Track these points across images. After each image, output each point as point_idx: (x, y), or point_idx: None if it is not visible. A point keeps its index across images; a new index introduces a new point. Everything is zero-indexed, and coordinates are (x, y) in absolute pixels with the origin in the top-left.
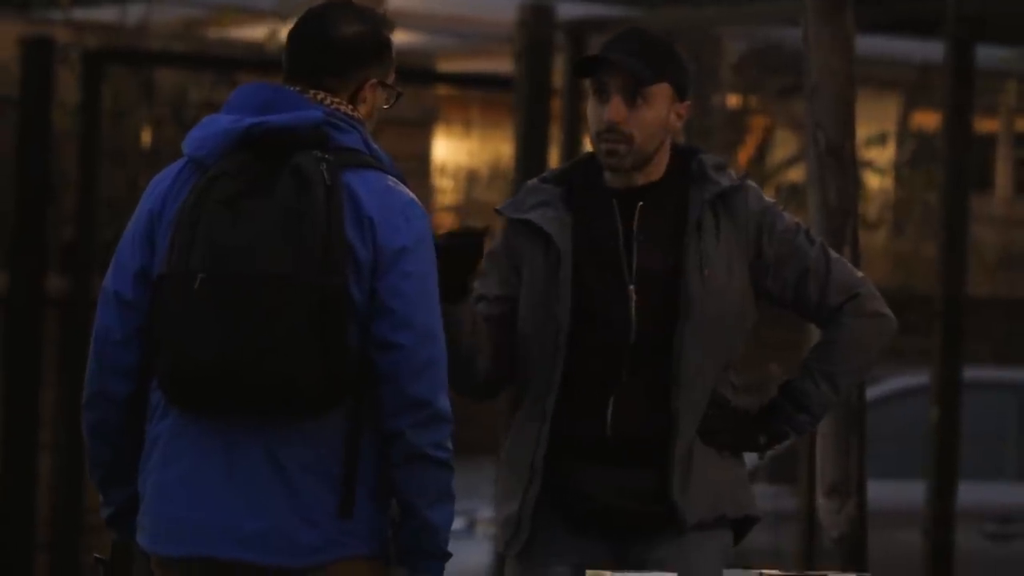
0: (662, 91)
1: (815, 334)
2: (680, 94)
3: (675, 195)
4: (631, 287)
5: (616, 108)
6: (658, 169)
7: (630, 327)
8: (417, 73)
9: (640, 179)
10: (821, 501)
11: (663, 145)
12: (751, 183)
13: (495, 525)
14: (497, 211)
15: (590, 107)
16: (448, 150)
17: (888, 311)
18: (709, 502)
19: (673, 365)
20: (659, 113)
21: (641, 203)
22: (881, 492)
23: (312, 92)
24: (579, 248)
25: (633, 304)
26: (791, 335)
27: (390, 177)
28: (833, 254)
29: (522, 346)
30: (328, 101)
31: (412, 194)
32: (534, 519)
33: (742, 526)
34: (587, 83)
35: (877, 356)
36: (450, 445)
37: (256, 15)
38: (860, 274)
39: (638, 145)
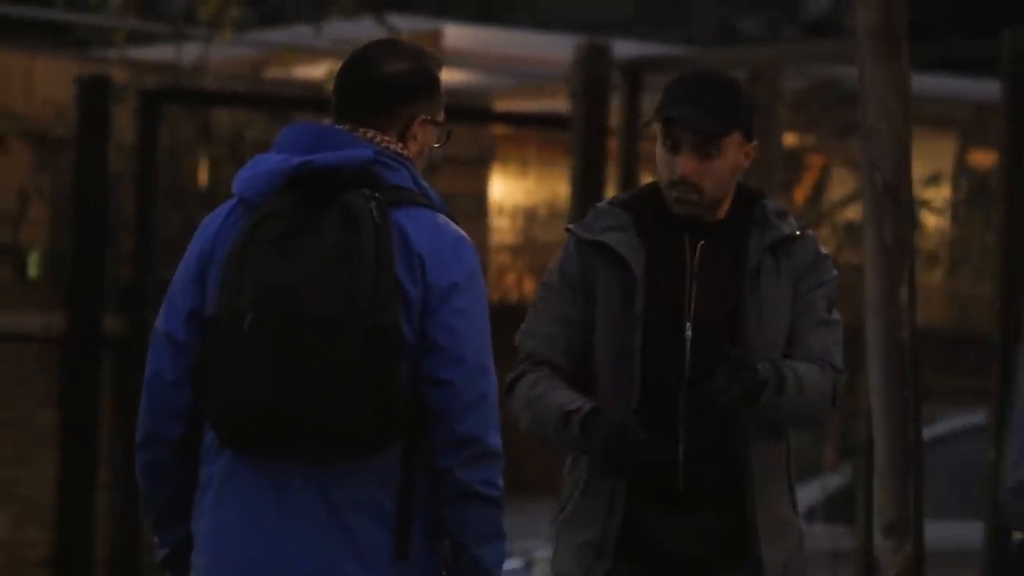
0: (733, 140)
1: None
2: (748, 137)
3: (737, 237)
4: (688, 328)
5: (688, 163)
6: (724, 207)
7: (683, 369)
8: (474, 112)
9: (707, 216)
10: (878, 541)
11: (732, 186)
12: (810, 232)
13: (563, 549)
14: (568, 230)
15: (660, 156)
16: (505, 189)
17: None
18: (783, 560)
19: (738, 414)
20: (730, 162)
21: (702, 243)
22: (938, 532)
23: (361, 131)
24: (650, 279)
25: (688, 346)
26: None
27: (440, 215)
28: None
29: (597, 370)
30: (377, 139)
31: (462, 231)
32: (616, 549)
33: None
34: (656, 127)
35: (799, 417)
36: (501, 483)
37: (314, 54)
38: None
39: (709, 194)
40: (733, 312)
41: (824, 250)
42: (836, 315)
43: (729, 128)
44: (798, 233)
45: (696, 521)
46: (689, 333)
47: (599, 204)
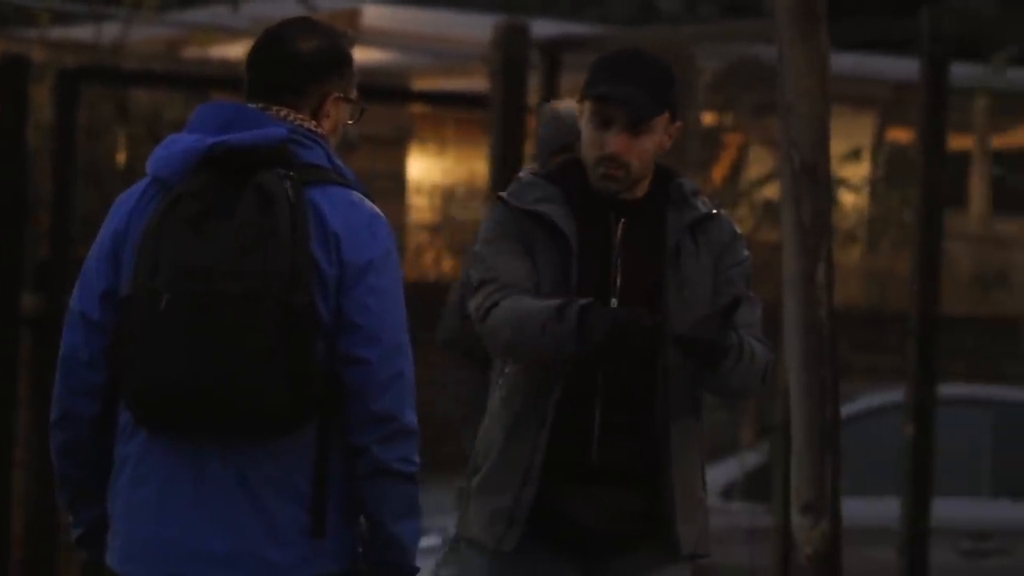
0: (661, 119)
1: None
2: (675, 117)
3: (655, 216)
4: (613, 304)
5: (618, 141)
6: (643, 186)
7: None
8: (392, 91)
9: (627, 194)
10: (796, 518)
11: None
12: (723, 211)
13: (475, 514)
14: (500, 198)
15: (588, 131)
16: (423, 168)
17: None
18: (695, 536)
19: (659, 387)
20: (656, 140)
21: (624, 220)
22: (856, 509)
23: (275, 109)
24: (581, 252)
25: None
26: None
27: (354, 192)
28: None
29: None
30: (291, 117)
31: (377, 209)
32: (527, 521)
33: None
34: (585, 104)
35: (741, 387)
36: (417, 459)
37: (232, 34)
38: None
39: (635, 171)
40: (654, 289)
41: (738, 229)
42: (752, 294)
43: (660, 109)
44: (714, 212)
45: (611, 497)
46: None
47: (522, 175)
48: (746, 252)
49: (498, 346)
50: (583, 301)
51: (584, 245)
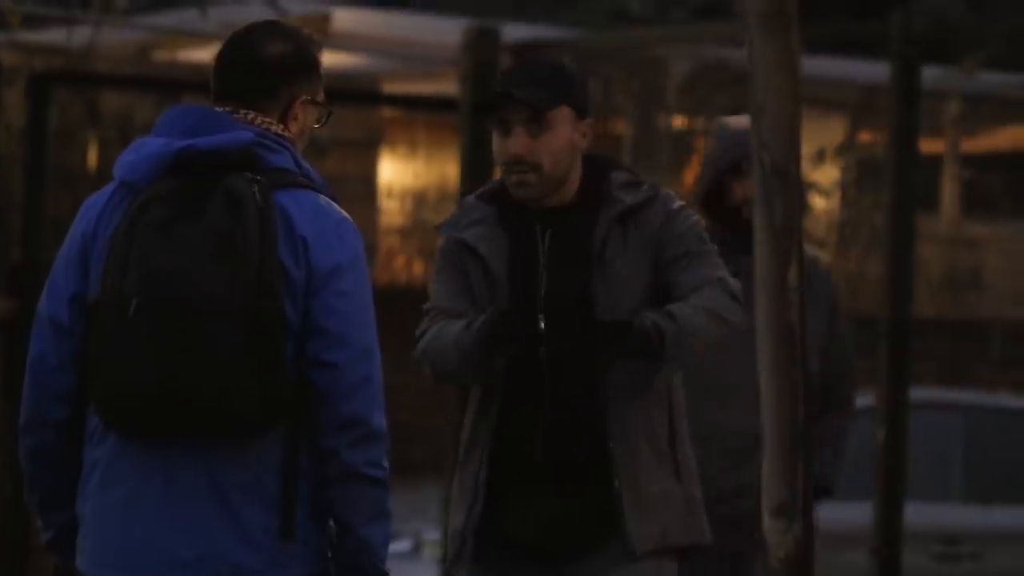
0: (562, 114)
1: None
2: (580, 113)
3: (587, 218)
4: (540, 320)
5: (519, 141)
6: (571, 188)
7: (542, 359)
8: (363, 95)
9: (554, 200)
10: (767, 521)
11: (573, 165)
12: (664, 192)
13: (446, 533)
14: (437, 228)
15: (495, 141)
16: (394, 172)
17: (733, 320)
18: (659, 532)
19: (599, 390)
20: (562, 136)
21: (550, 230)
22: (828, 512)
23: (242, 112)
24: (510, 271)
25: (543, 337)
26: None
27: (322, 196)
28: (716, 259)
29: None
30: (258, 121)
31: (344, 213)
32: (478, 536)
33: (686, 552)
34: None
35: (712, 330)
36: (386, 463)
37: (202, 38)
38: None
39: (547, 172)
40: (583, 295)
41: (678, 203)
42: (708, 245)
43: (555, 101)
44: (645, 199)
45: (557, 502)
46: (542, 325)
47: (466, 199)
48: (692, 217)
49: (428, 369)
50: (490, 311)
51: (514, 262)
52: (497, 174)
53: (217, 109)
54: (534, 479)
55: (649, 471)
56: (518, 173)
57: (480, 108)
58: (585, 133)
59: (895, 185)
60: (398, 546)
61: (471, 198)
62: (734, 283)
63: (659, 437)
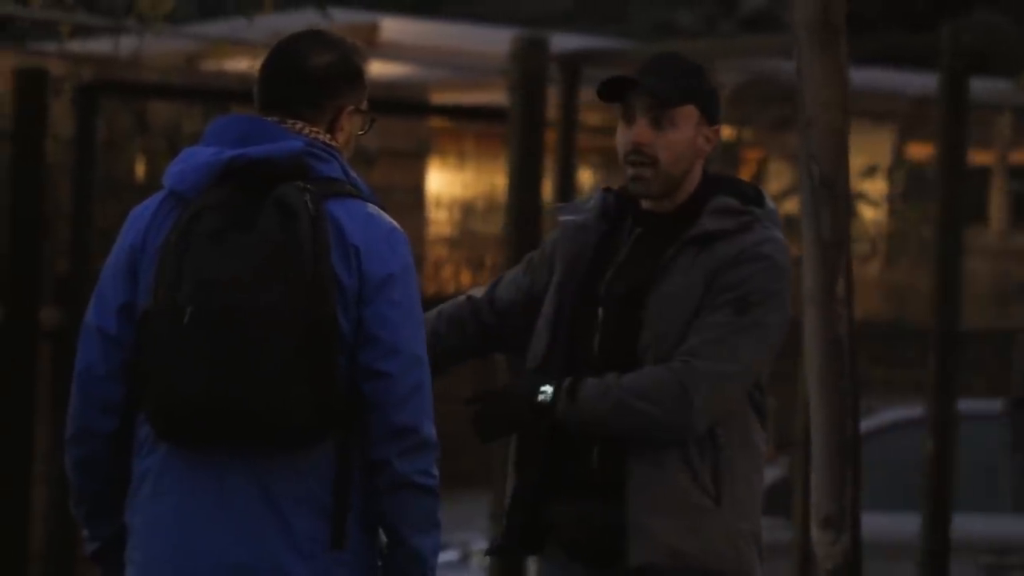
0: (688, 113)
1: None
2: (709, 118)
3: (676, 228)
4: (599, 309)
5: (640, 130)
6: (683, 195)
7: (593, 348)
8: (411, 106)
9: (665, 205)
10: (815, 533)
11: (692, 170)
12: (762, 232)
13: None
14: (555, 210)
15: (619, 132)
16: (442, 182)
17: (656, 414)
18: (668, 546)
19: None
20: (684, 136)
21: (640, 230)
22: (876, 524)
23: (290, 122)
24: (595, 257)
25: (599, 325)
26: (784, 366)
27: (370, 205)
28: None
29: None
30: (307, 131)
31: (394, 222)
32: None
33: None
34: (617, 109)
35: (616, 425)
36: (436, 472)
37: (249, 48)
38: (731, 367)
39: (664, 168)
40: (639, 299)
41: (768, 248)
42: (753, 314)
43: (684, 99)
44: (726, 229)
45: (588, 506)
46: (600, 313)
47: (599, 191)
48: (761, 270)
49: None
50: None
51: (600, 251)
52: (545, 186)
53: (265, 119)
54: (588, 484)
55: (665, 488)
56: (635, 166)
57: (605, 93)
58: (710, 138)
59: (944, 197)
60: (446, 556)
61: (602, 190)
62: (720, 367)
63: (677, 454)
